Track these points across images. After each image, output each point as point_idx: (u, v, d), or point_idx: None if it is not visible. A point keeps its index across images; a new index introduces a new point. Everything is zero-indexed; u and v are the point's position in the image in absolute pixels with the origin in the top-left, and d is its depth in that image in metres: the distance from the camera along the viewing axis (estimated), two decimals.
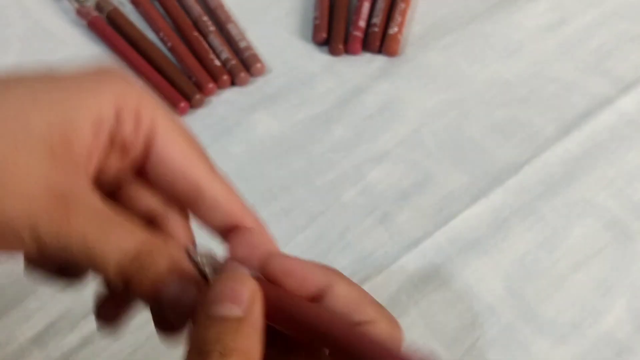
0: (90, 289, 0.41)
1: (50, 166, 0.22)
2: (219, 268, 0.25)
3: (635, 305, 0.40)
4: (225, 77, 0.51)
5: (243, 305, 0.23)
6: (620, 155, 0.46)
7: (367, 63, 0.53)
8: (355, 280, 0.41)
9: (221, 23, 0.55)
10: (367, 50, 0.54)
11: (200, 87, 0.51)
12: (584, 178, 0.45)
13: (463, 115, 0.49)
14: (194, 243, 0.27)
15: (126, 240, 0.23)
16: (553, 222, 0.43)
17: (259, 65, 0.52)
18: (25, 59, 0.53)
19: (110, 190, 0.26)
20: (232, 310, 0.22)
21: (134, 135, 0.25)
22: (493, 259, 0.42)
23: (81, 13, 0.55)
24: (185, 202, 0.27)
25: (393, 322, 0.26)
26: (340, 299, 0.25)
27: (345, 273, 0.42)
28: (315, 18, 0.55)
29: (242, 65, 0.52)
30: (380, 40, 0.54)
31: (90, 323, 0.39)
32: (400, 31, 0.54)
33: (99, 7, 0.55)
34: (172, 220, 0.27)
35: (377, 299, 0.37)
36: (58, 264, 0.25)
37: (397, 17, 0.54)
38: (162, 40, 0.54)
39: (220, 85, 0.52)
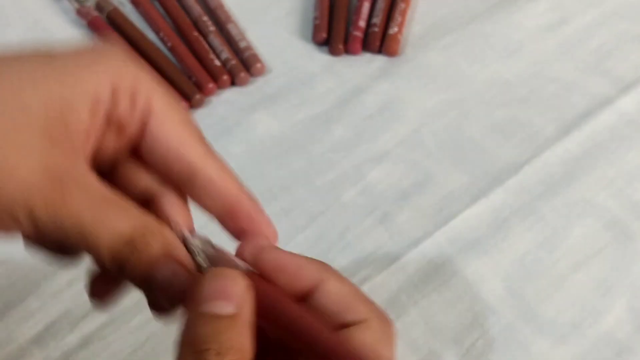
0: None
1: (47, 147, 0.22)
2: (213, 256, 0.25)
3: (635, 305, 0.40)
4: (225, 77, 0.51)
5: (235, 302, 0.23)
6: (620, 155, 0.46)
7: (367, 63, 0.53)
8: (355, 280, 0.41)
9: (221, 23, 0.55)
10: (367, 50, 0.54)
11: (200, 87, 0.51)
12: (584, 178, 0.45)
13: (463, 115, 0.49)
14: (191, 227, 0.27)
15: (120, 223, 0.23)
16: (553, 222, 0.43)
17: (259, 65, 0.52)
18: None
19: (108, 170, 0.26)
20: (224, 307, 0.22)
21: (129, 114, 0.25)
22: (493, 259, 0.42)
23: (81, 13, 0.55)
24: (180, 184, 0.26)
25: (385, 320, 0.26)
26: (331, 295, 0.25)
27: (345, 273, 0.42)
28: (315, 18, 0.55)
29: (242, 65, 0.52)
30: (380, 40, 0.54)
31: (90, 323, 0.39)
32: (400, 31, 0.54)
33: (99, 7, 0.55)
34: (169, 202, 0.26)
35: (377, 299, 0.37)
36: (56, 244, 0.24)
37: (397, 17, 0.54)
38: (162, 40, 0.54)
39: (220, 85, 0.52)
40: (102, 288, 0.27)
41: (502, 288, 0.40)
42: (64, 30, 0.55)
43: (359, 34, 0.54)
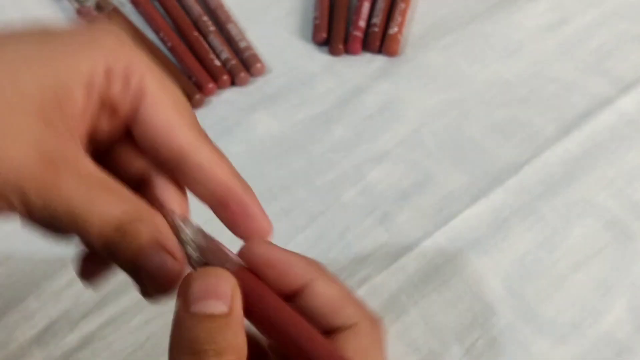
0: (89, 290, 0.41)
1: (41, 129, 0.22)
2: (204, 246, 0.25)
3: (635, 305, 0.40)
4: (225, 77, 0.51)
5: (227, 300, 0.22)
6: (620, 155, 0.46)
7: (367, 63, 0.53)
8: (355, 280, 0.41)
9: (221, 23, 0.55)
10: (367, 50, 0.54)
11: (200, 87, 0.51)
12: (584, 178, 0.45)
13: (463, 115, 0.49)
14: (185, 215, 0.26)
15: (111, 208, 0.23)
16: (553, 222, 0.43)
17: (259, 65, 0.52)
18: None
19: (104, 152, 0.26)
20: (217, 306, 0.22)
21: (122, 96, 0.24)
22: (493, 259, 0.42)
23: (81, 13, 0.55)
24: (172, 169, 0.26)
25: (375, 324, 0.26)
26: (320, 296, 0.25)
27: (345, 273, 0.42)
28: (315, 18, 0.55)
29: (242, 65, 0.52)
30: (380, 40, 0.54)
31: (90, 323, 0.39)
32: (400, 31, 0.54)
33: (99, 7, 0.55)
34: (164, 187, 0.26)
35: (377, 299, 0.37)
36: (49, 224, 0.24)
37: (397, 17, 0.54)
38: (162, 40, 0.54)
39: (220, 85, 0.52)
40: (92, 268, 0.27)
41: (502, 288, 0.40)
42: None
43: (359, 34, 0.54)
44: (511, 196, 0.44)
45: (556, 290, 0.40)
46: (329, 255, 0.42)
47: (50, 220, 0.22)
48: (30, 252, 0.42)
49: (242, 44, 0.53)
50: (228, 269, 0.24)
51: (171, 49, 0.53)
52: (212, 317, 0.22)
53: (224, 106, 0.51)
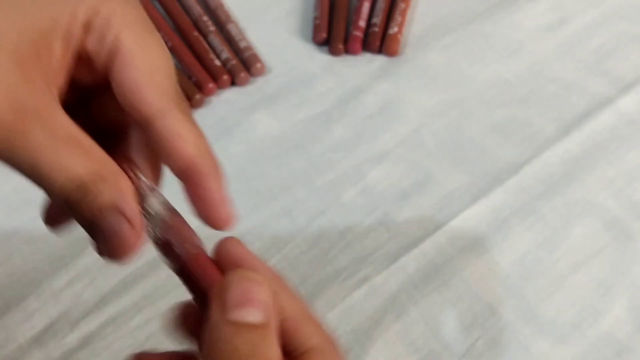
0: (89, 290, 0.41)
1: (16, 78, 0.22)
2: (166, 220, 0.24)
3: (635, 305, 0.40)
4: (225, 77, 0.51)
5: (265, 309, 0.22)
6: (620, 155, 0.46)
7: (367, 63, 0.53)
8: (355, 280, 0.41)
9: (221, 23, 0.55)
10: (367, 50, 0.54)
11: (200, 87, 0.51)
12: (584, 178, 0.45)
13: (463, 115, 0.49)
14: (154, 184, 0.25)
15: (76, 165, 0.22)
16: (553, 222, 0.43)
17: (259, 65, 0.52)
18: None
19: (85, 101, 0.25)
20: (255, 315, 0.22)
21: (97, 50, 0.24)
22: (493, 259, 0.42)
23: None
24: (143, 133, 0.25)
25: (333, 344, 0.25)
26: (281, 312, 0.24)
27: (345, 273, 0.42)
28: (315, 18, 0.55)
29: (242, 65, 0.52)
30: (380, 40, 0.54)
31: (90, 323, 0.39)
32: (400, 31, 0.54)
33: None
34: (139, 150, 0.25)
35: (377, 299, 0.37)
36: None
37: (397, 17, 0.54)
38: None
39: (220, 85, 0.52)
40: (57, 216, 0.26)
41: (502, 288, 0.40)
42: None
43: (359, 34, 0.54)
44: (511, 196, 0.44)
45: (556, 290, 0.40)
46: (328, 255, 0.42)
47: (12, 168, 0.22)
48: (30, 252, 0.42)
49: (242, 44, 0.53)
50: (188, 251, 0.24)
51: (171, 49, 0.53)
52: (250, 327, 0.22)
53: (224, 106, 0.51)
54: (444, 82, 0.51)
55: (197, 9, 0.55)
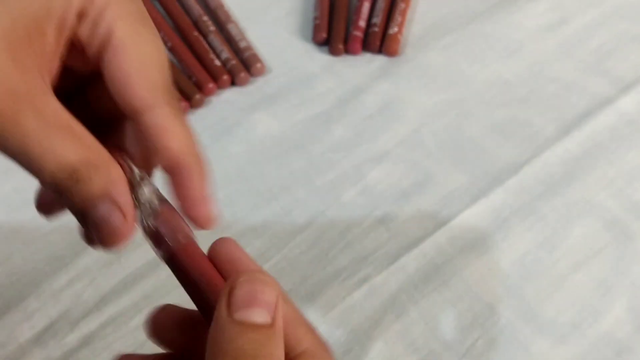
0: (89, 290, 0.41)
1: (8, 62, 0.21)
2: (157, 210, 0.24)
3: (635, 305, 0.40)
4: (225, 77, 0.51)
5: (271, 310, 0.22)
6: (620, 155, 0.46)
7: (367, 63, 0.53)
8: (355, 280, 0.41)
9: (221, 23, 0.55)
10: (367, 50, 0.54)
11: (200, 87, 0.51)
12: (584, 178, 0.45)
13: (463, 115, 0.49)
14: (146, 173, 0.25)
15: (68, 152, 0.22)
16: (553, 222, 0.43)
17: (259, 65, 0.52)
18: None
19: (79, 88, 0.25)
20: (261, 316, 0.22)
21: (89, 39, 0.24)
22: (493, 259, 0.42)
23: None
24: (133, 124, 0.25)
25: (323, 347, 0.25)
26: None
27: (345, 273, 0.42)
28: (315, 18, 0.55)
29: (242, 65, 0.52)
30: (380, 40, 0.54)
31: (90, 323, 0.39)
32: (400, 31, 0.54)
33: None
34: (133, 139, 0.25)
35: (377, 299, 0.37)
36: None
37: (397, 17, 0.54)
38: (162, 40, 0.54)
39: (220, 85, 0.52)
40: (49, 203, 0.26)
41: (502, 288, 0.40)
42: None
43: (359, 34, 0.54)
44: (511, 196, 0.44)
45: (556, 290, 0.40)
46: (328, 255, 0.42)
47: (2, 153, 0.22)
48: (30, 252, 0.42)
49: (242, 44, 0.53)
50: (178, 241, 0.24)
51: (171, 49, 0.53)
52: (256, 327, 0.22)
53: (224, 106, 0.51)
54: (444, 82, 0.51)
55: (197, 9, 0.55)
